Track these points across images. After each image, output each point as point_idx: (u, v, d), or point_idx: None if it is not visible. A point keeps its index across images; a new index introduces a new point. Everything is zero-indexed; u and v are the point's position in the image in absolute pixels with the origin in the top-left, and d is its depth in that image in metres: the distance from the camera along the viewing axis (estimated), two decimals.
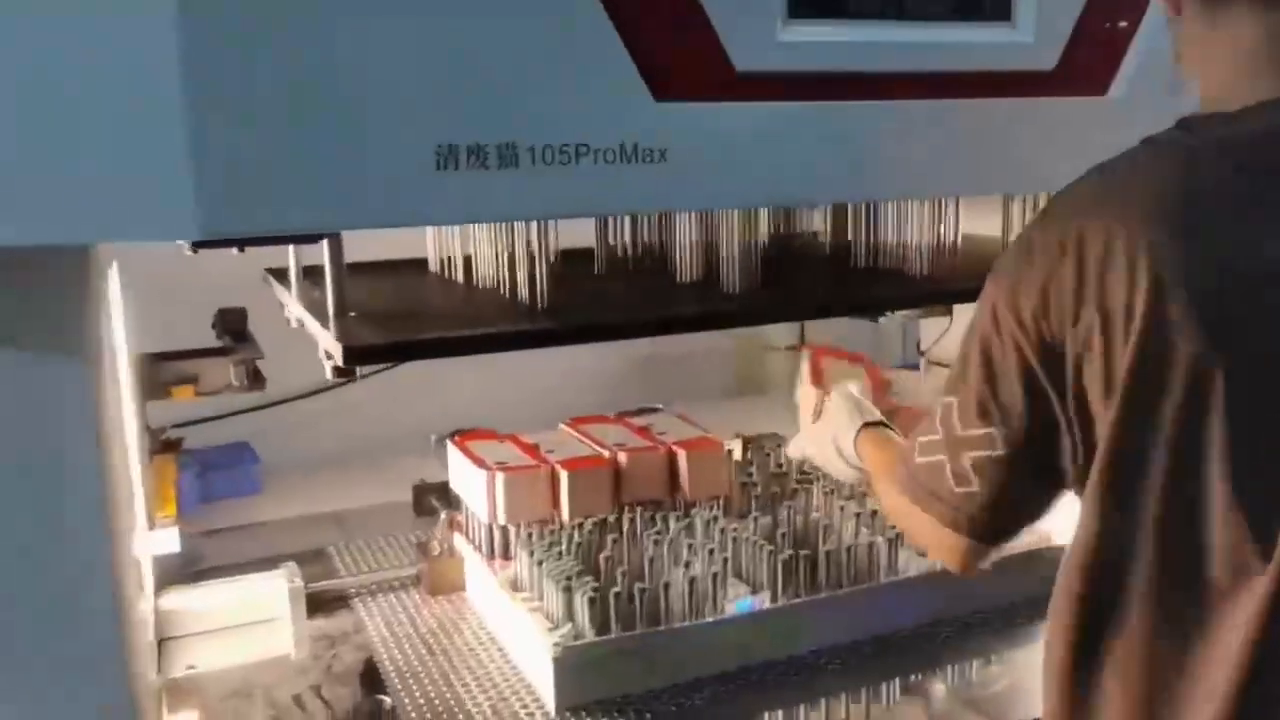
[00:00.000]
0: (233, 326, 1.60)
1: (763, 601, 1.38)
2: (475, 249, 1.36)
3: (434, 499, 1.73)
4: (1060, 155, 1.23)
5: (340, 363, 1.03)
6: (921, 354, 2.41)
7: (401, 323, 1.21)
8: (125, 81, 0.82)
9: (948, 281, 1.42)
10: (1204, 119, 0.90)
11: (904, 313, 1.89)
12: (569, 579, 1.32)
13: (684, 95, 1.02)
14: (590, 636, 1.27)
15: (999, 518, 0.95)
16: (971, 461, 0.93)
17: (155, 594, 1.47)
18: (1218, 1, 0.90)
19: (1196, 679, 0.85)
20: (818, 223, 1.69)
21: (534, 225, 1.20)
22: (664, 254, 1.45)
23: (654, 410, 1.87)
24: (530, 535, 1.45)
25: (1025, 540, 1.06)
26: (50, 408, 0.93)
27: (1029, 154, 1.24)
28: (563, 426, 1.71)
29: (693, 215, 1.34)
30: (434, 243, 1.50)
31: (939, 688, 1.35)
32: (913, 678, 1.36)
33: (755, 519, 1.50)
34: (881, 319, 1.95)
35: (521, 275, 1.22)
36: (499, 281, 1.29)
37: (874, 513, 1.51)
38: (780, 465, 1.73)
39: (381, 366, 1.69)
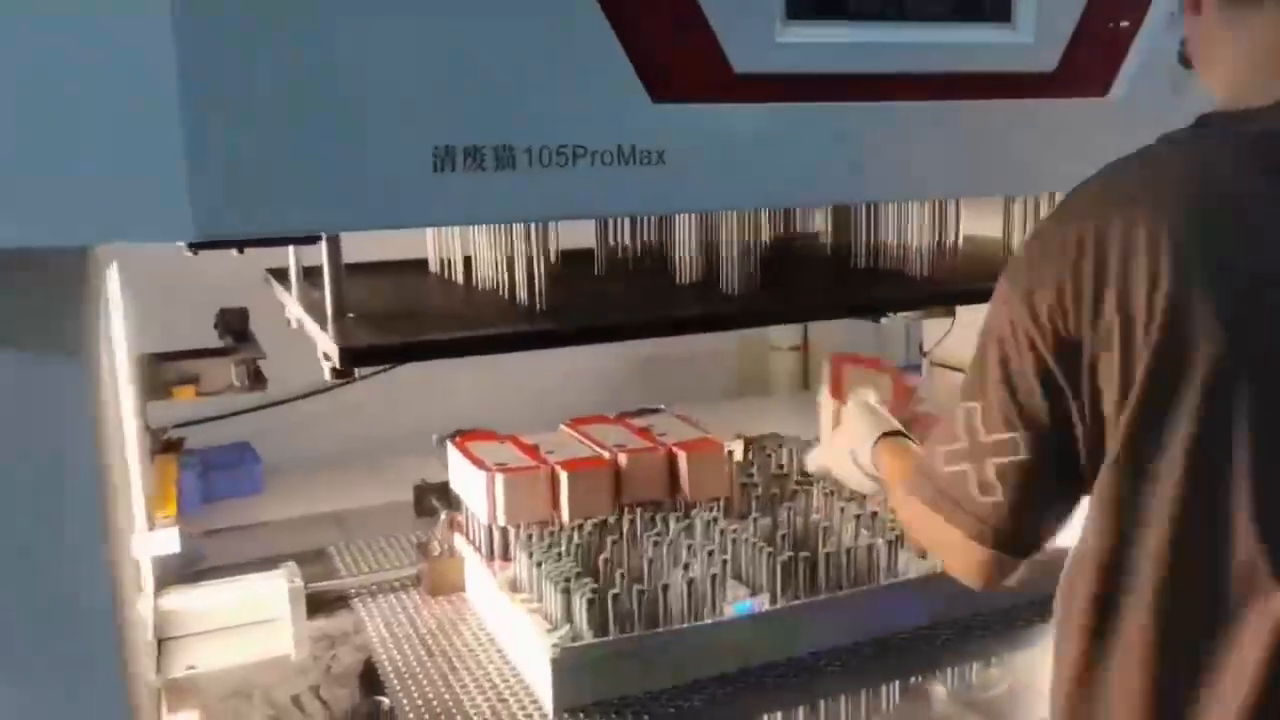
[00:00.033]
0: (234, 326, 1.61)
1: (762, 603, 1.38)
2: (475, 250, 1.36)
3: (435, 499, 1.73)
4: (1061, 156, 1.23)
5: (337, 364, 1.03)
6: (924, 355, 2.41)
7: (400, 324, 1.22)
8: (121, 83, 0.82)
9: (949, 283, 1.42)
10: (1223, 117, 0.89)
11: (906, 314, 1.89)
12: (568, 580, 1.32)
13: (682, 96, 1.01)
14: (589, 638, 1.27)
15: (1025, 527, 0.92)
16: (996, 468, 0.90)
17: (156, 594, 1.47)
18: (1242, 1, 0.90)
19: (1210, 689, 0.84)
20: (819, 223, 1.69)
21: (533, 226, 1.20)
22: (664, 255, 1.45)
23: (655, 411, 1.87)
24: (530, 536, 1.45)
25: None
26: (48, 408, 0.93)
27: (1030, 155, 1.23)
28: (563, 427, 1.71)
29: (693, 216, 1.34)
30: (434, 243, 1.50)
31: (939, 690, 1.34)
32: (912, 680, 1.35)
33: (755, 520, 1.50)
34: (884, 320, 1.94)
35: (520, 276, 1.22)
36: (498, 282, 1.29)
37: (874, 514, 1.51)
38: (781, 466, 1.73)
39: (382, 367, 1.69)
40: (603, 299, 1.38)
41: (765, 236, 1.63)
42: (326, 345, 1.08)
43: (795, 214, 1.61)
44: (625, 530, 1.45)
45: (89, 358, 0.97)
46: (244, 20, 0.85)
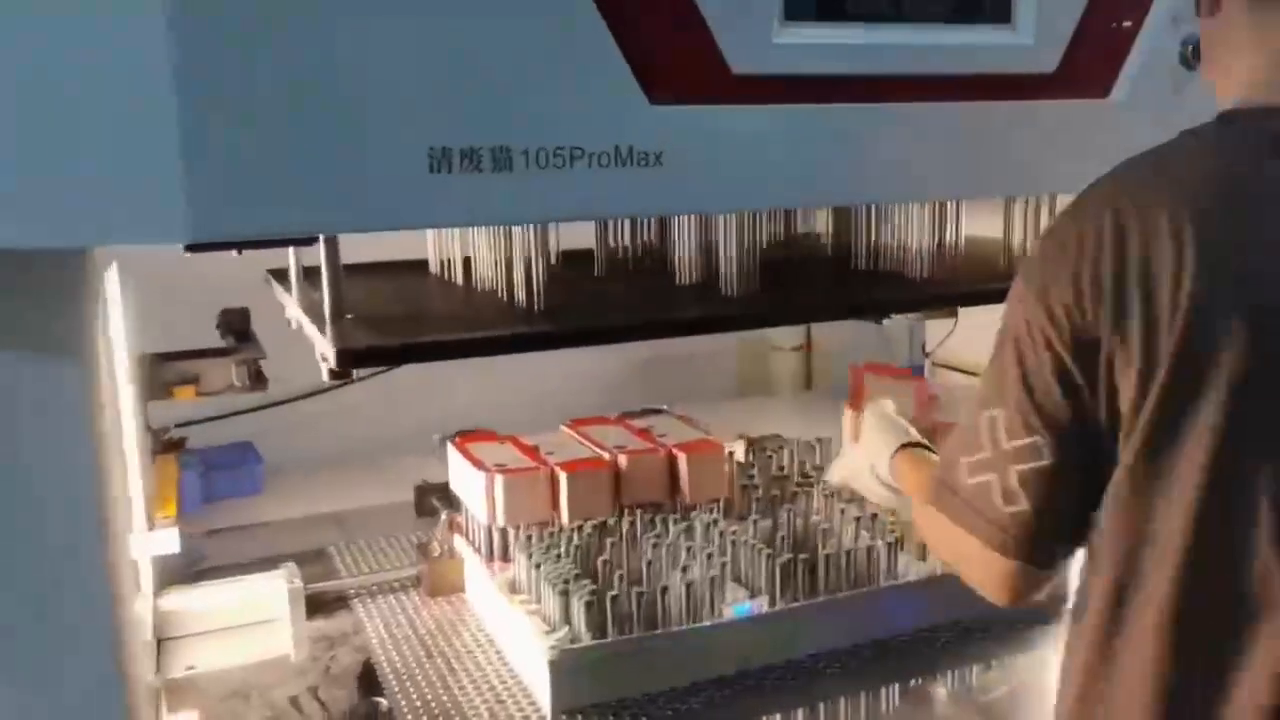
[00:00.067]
0: (236, 326, 1.61)
1: (761, 605, 1.37)
2: (474, 251, 1.36)
3: (436, 500, 1.73)
4: (1062, 157, 1.23)
5: (334, 366, 1.03)
6: (927, 355, 2.41)
7: (397, 325, 1.21)
8: (118, 85, 0.82)
9: (949, 284, 1.41)
10: (1246, 114, 0.89)
11: (908, 315, 1.89)
12: (566, 582, 1.31)
13: (680, 97, 1.01)
14: (587, 640, 1.27)
15: (1050, 536, 0.90)
16: (1019, 476, 0.88)
17: (156, 594, 1.47)
18: (1270, 1, 0.89)
19: (1225, 691, 0.83)
20: (820, 224, 1.68)
21: (532, 227, 1.20)
22: (664, 255, 1.44)
23: (657, 411, 1.86)
24: (529, 538, 1.45)
25: None
26: (44, 408, 0.93)
27: (1030, 156, 1.23)
28: (563, 428, 1.71)
29: (692, 217, 1.34)
30: (434, 244, 1.50)
31: (939, 692, 1.34)
32: (912, 683, 1.35)
33: (755, 522, 1.50)
34: (886, 321, 1.94)
35: (519, 277, 1.21)
36: (497, 283, 1.28)
37: (874, 516, 1.50)
38: (782, 468, 1.73)
39: (381, 368, 1.69)
40: (602, 300, 1.38)
41: (765, 237, 1.63)
42: (324, 347, 1.08)
43: (796, 214, 1.60)
44: (625, 532, 1.45)
45: (86, 358, 0.97)
46: (240, 22, 0.85)
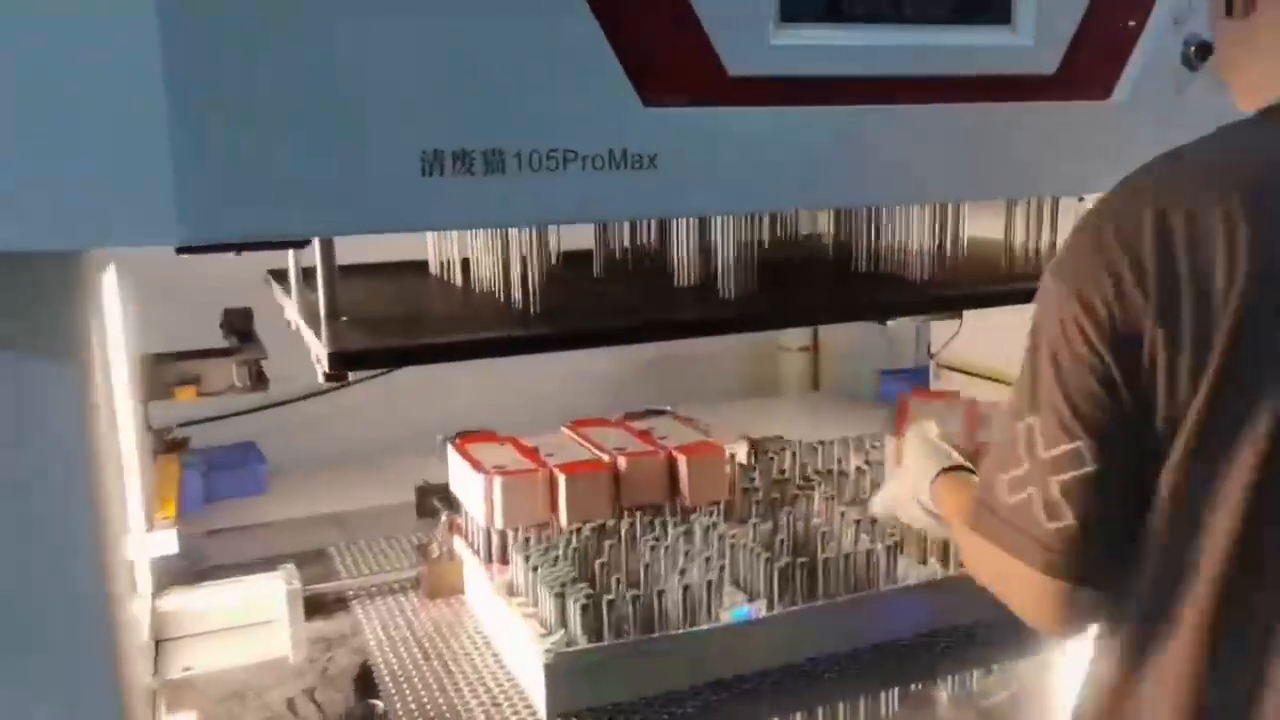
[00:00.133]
0: (239, 327, 1.61)
1: (759, 609, 1.37)
2: (472, 252, 1.36)
3: (437, 501, 1.73)
4: (1063, 158, 1.22)
5: (326, 368, 1.03)
6: (931, 357, 2.40)
7: (393, 327, 1.21)
8: (114, 87, 0.82)
9: (950, 285, 1.40)
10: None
11: (911, 316, 1.88)
12: (563, 585, 1.31)
13: (674, 100, 1.00)
14: (583, 644, 1.26)
15: (1098, 550, 0.86)
16: (1061, 487, 0.84)
17: (155, 594, 1.47)
18: None
19: (1270, 686, 0.82)
20: (821, 225, 1.67)
21: (530, 229, 1.19)
22: (664, 256, 1.44)
23: (660, 412, 1.86)
24: (527, 540, 1.45)
25: None
26: (39, 409, 0.93)
27: (1031, 158, 1.22)
28: (563, 429, 1.70)
29: (690, 219, 1.33)
30: (433, 245, 1.49)
31: (939, 697, 1.33)
32: (912, 687, 1.34)
33: (755, 525, 1.49)
34: (890, 323, 1.93)
35: (517, 278, 1.21)
36: (496, 285, 1.28)
37: (874, 520, 1.49)
38: (783, 471, 1.72)
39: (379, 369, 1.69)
40: (601, 301, 1.37)
41: (767, 239, 1.62)
42: (318, 349, 1.08)
43: (797, 216, 1.59)
44: (624, 534, 1.44)
45: (80, 359, 0.97)
46: (236, 26, 0.85)
